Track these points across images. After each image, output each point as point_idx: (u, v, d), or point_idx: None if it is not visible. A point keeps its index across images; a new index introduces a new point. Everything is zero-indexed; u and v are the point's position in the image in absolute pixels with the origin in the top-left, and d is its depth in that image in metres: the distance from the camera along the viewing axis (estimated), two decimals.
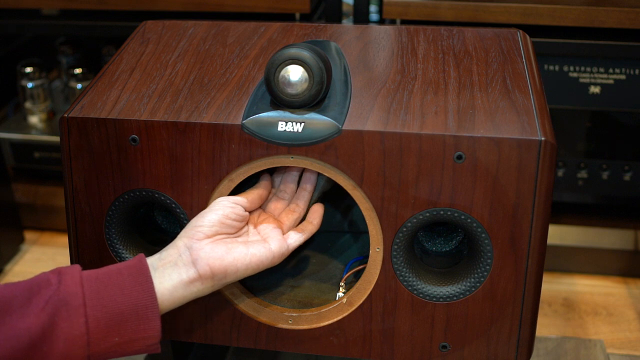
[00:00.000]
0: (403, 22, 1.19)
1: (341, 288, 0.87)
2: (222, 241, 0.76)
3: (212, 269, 0.73)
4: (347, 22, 1.35)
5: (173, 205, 0.81)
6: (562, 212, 1.34)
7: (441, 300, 0.79)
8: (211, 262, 0.73)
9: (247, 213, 0.80)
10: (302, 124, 0.76)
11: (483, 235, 0.76)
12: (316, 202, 0.87)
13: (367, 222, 0.78)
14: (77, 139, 0.80)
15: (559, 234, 1.31)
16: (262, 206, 0.84)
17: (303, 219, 0.85)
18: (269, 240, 0.78)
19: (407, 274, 0.79)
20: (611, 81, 1.21)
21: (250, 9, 1.23)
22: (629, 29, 1.15)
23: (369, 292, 0.80)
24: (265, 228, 0.80)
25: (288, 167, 0.85)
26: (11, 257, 1.40)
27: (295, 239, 0.81)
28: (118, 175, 0.80)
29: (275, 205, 0.85)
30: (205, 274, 0.73)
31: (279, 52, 0.75)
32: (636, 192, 1.28)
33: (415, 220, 0.77)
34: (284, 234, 0.81)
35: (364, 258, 0.88)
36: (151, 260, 0.73)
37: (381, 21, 1.30)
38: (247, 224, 0.81)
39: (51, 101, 1.48)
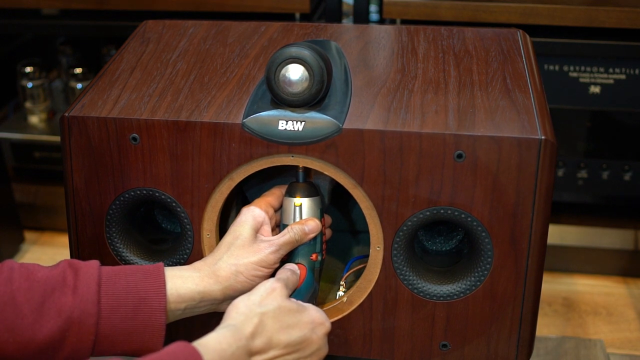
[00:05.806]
0: (403, 22, 1.19)
1: (341, 287, 0.87)
2: None
3: None
4: (347, 22, 1.35)
5: (173, 204, 0.81)
6: (562, 212, 1.34)
7: (441, 299, 0.79)
8: None
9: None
10: (303, 123, 0.76)
11: (483, 234, 0.76)
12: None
13: (367, 221, 0.78)
14: (78, 138, 0.80)
15: (559, 234, 1.31)
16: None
17: None
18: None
19: (407, 273, 0.79)
20: (611, 81, 1.21)
21: (250, 8, 1.23)
22: (629, 29, 1.15)
23: (369, 291, 0.80)
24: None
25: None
26: (11, 257, 1.40)
27: None
28: (118, 174, 0.80)
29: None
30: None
31: (280, 51, 0.75)
32: (636, 192, 1.28)
33: (415, 219, 0.77)
34: None
35: (364, 257, 0.88)
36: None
37: (381, 21, 1.30)
38: None
39: (51, 101, 1.48)
